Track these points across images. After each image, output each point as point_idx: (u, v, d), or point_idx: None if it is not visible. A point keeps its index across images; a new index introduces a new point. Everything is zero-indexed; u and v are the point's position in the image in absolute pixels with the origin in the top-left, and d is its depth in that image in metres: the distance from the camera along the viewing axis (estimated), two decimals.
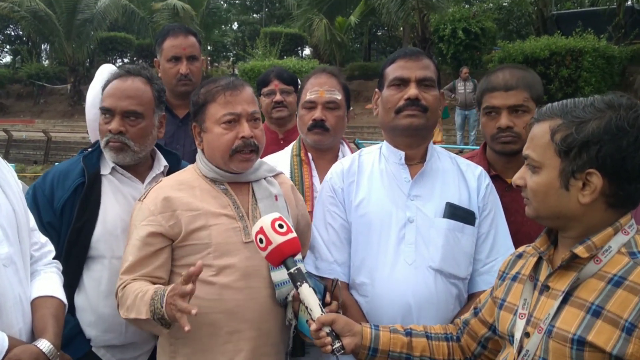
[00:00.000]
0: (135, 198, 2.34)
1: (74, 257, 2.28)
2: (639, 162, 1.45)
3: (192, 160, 2.37)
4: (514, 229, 2.32)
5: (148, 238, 2.09)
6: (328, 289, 2.10)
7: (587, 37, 16.37)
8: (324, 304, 2.00)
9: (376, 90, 2.36)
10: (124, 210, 2.34)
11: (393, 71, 2.25)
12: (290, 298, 2.13)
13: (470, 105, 15.37)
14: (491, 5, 25.63)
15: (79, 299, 2.31)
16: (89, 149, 2.46)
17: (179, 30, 3.31)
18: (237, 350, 2.08)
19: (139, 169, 2.44)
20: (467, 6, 24.21)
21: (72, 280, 2.27)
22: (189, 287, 1.80)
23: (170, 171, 2.49)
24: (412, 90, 2.18)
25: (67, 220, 2.29)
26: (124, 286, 2.07)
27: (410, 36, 21.64)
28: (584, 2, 28.98)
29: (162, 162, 2.50)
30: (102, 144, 2.37)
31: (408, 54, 2.26)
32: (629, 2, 20.29)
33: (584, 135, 1.46)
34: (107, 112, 2.34)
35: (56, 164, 2.43)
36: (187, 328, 1.75)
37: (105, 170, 2.39)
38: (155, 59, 3.44)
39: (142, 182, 2.43)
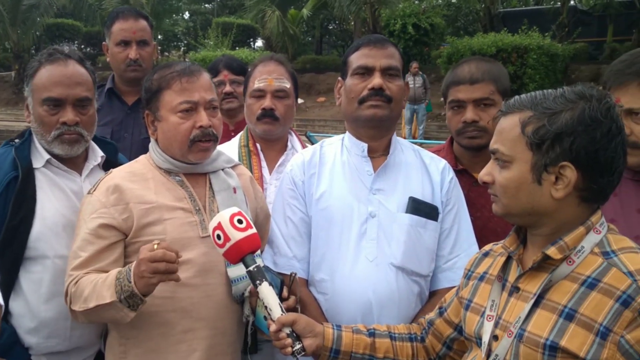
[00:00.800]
0: (75, 192, 2.21)
1: (8, 258, 2.09)
2: (612, 154, 1.41)
3: (141, 150, 2.25)
4: (480, 224, 2.30)
5: (100, 230, 1.96)
6: (286, 284, 2.02)
7: (532, 35, 16.91)
8: (281, 299, 1.91)
9: (339, 78, 2.27)
10: (64, 206, 2.17)
11: (357, 59, 2.17)
12: (247, 294, 2.05)
13: (419, 99, 15.66)
14: (440, 1, 26.06)
15: (15, 305, 2.12)
16: (17, 140, 2.26)
17: (129, 13, 3.17)
18: (190, 350, 1.99)
19: (75, 161, 2.26)
20: (417, 2, 24.56)
21: (7, 284, 2.07)
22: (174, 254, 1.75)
23: (107, 162, 2.35)
24: (376, 80, 2.10)
25: (0, 219, 2.08)
26: (77, 281, 1.93)
27: (362, 30, 21.79)
28: (529, 1, 29.79)
29: (98, 153, 2.33)
30: (49, 137, 2.16)
31: (373, 41, 2.18)
32: (572, 2, 20.99)
33: (557, 126, 1.40)
34: (55, 102, 2.15)
35: None
36: (178, 278, 1.78)
37: (37, 163, 2.19)
38: (104, 43, 3.29)
39: (80, 174, 2.26)
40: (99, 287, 1.86)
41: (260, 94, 2.61)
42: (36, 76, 2.18)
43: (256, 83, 2.61)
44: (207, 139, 2.03)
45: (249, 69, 2.77)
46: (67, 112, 2.15)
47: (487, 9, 21.84)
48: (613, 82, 1.94)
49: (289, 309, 1.90)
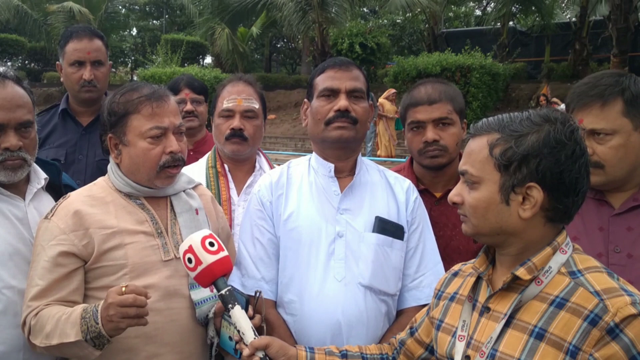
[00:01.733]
0: (19, 218, 2.10)
1: None
2: (576, 175, 1.45)
3: (96, 172, 2.19)
4: (443, 243, 2.32)
5: (60, 258, 1.90)
6: (251, 303, 1.98)
7: (475, 55, 17.44)
8: None
9: (305, 100, 2.28)
10: (9, 233, 2.06)
11: (323, 81, 2.18)
12: (211, 314, 2.03)
13: (371, 119, 15.93)
14: (385, 21, 26.67)
15: None
16: None
17: (84, 33, 3.09)
18: None
19: (17, 185, 2.14)
20: (363, 22, 25.06)
21: None
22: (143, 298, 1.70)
23: (50, 183, 2.26)
24: (342, 102, 2.12)
25: None
26: (36, 312, 1.85)
27: (310, 49, 22.00)
28: (470, 22, 30.79)
29: (40, 175, 2.22)
30: None
31: (338, 64, 2.20)
32: (512, 23, 21.82)
33: (524, 148, 1.44)
34: None
35: None
36: (146, 322, 1.72)
37: None
38: (57, 62, 3.21)
39: (23, 198, 2.15)
40: (62, 324, 1.79)
41: (229, 114, 2.60)
42: None
43: (225, 103, 2.60)
44: (176, 164, 2.02)
45: (218, 89, 2.75)
46: (9, 137, 2.04)
47: (431, 29, 22.49)
48: (576, 104, 1.99)
49: (254, 327, 1.88)
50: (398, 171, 2.47)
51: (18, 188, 2.15)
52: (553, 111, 1.50)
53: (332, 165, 2.20)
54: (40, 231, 1.98)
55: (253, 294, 2.07)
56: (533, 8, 20.40)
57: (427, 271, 2.18)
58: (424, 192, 2.43)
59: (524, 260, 1.49)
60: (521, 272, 1.47)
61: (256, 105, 2.63)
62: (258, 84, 2.77)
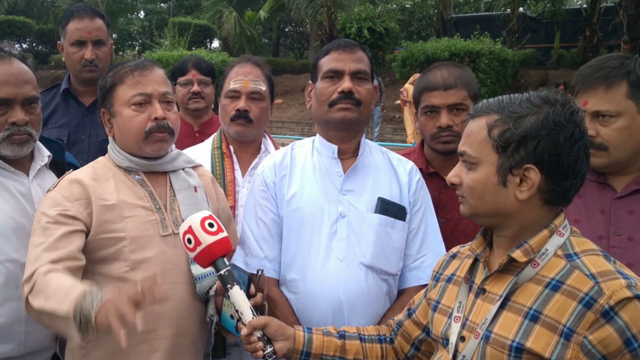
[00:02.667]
0: (23, 193, 2.12)
1: None
2: (574, 157, 1.45)
3: (99, 152, 2.21)
4: (451, 226, 2.34)
5: (63, 218, 1.89)
6: (253, 281, 2.00)
7: (484, 40, 17.28)
8: (249, 296, 1.91)
9: (309, 82, 2.30)
10: (12, 208, 2.09)
11: (327, 63, 2.20)
12: (212, 292, 2.05)
13: (374, 102, 15.83)
14: (394, 6, 26.46)
15: None
16: None
17: (85, 12, 3.06)
18: (152, 350, 1.97)
19: (21, 162, 2.17)
20: (372, 6, 24.88)
21: None
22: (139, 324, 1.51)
23: (53, 161, 2.29)
24: (345, 84, 2.14)
25: None
26: (45, 273, 1.78)
27: (318, 33, 21.91)
28: (479, 7, 30.50)
29: (44, 152, 2.26)
30: None
31: (342, 46, 2.21)
32: (522, 9, 21.60)
33: (522, 130, 1.44)
34: (3, 102, 2.05)
35: None
36: (124, 344, 1.46)
37: None
38: (58, 42, 3.20)
39: (27, 175, 2.18)
40: (62, 295, 1.69)
41: (235, 95, 2.60)
42: None
43: (231, 84, 2.61)
44: (161, 131, 2.02)
45: (226, 70, 2.74)
46: (16, 112, 2.07)
47: (440, 14, 22.28)
48: (581, 86, 2.00)
49: (256, 306, 1.91)
50: (408, 154, 2.50)
51: (22, 165, 2.18)
52: (554, 92, 1.49)
53: (335, 147, 2.23)
54: (42, 202, 1.99)
55: (256, 272, 2.09)
56: None
57: (429, 252, 2.20)
58: (434, 176, 2.45)
59: (520, 243, 1.50)
60: (517, 254, 1.48)
61: (263, 87, 2.63)
62: (267, 67, 2.76)
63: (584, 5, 21.10)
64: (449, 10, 22.81)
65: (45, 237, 1.86)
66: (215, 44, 30.05)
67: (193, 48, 23.13)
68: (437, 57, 16.38)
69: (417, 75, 14.43)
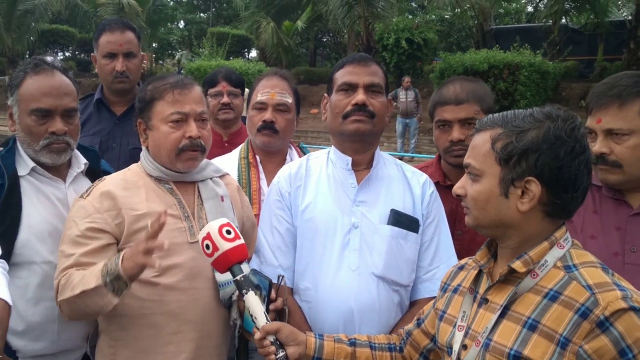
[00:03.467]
0: (59, 199, 2.25)
1: None
2: (575, 171, 1.49)
3: (129, 160, 2.28)
4: (468, 238, 2.36)
5: (91, 233, 2.01)
6: (273, 286, 2.08)
7: (524, 52, 16.99)
8: (269, 301, 2.01)
9: (325, 94, 2.35)
10: (49, 213, 2.22)
11: (342, 76, 2.25)
12: (235, 297, 2.12)
13: (411, 113, 15.70)
14: (433, 17, 26.29)
15: None
16: (1, 149, 2.29)
17: (116, 26, 3.20)
18: (178, 351, 2.05)
19: (59, 168, 2.30)
20: (410, 17, 24.77)
21: None
22: (165, 242, 1.78)
23: (90, 168, 2.41)
24: (359, 96, 2.18)
25: None
26: (68, 275, 1.96)
27: (355, 44, 21.91)
28: (521, 19, 30.10)
29: (81, 160, 2.38)
30: (37, 147, 2.20)
31: (357, 60, 2.26)
32: (564, 21, 21.20)
33: (524, 143, 1.49)
34: (44, 112, 2.19)
35: None
36: (157, 264, 1.77)
37: (22, 171, 2.23)
38: (92, 54, 3.34)
39: (64, 181, 2.31)
40: (87, 276, 1.89)
41: (262, 107, 2.69)
42: (22, 86, 2.21)
43: (259, 96, 2.71)
44: (194, 149, 2.10)
45: (254, 83, 2.84)
46: (56, 122, 2.20)
47: (480, 26, 22.03)
48: (595, 104, 2.03)
49: (277, 310, 2.01)
50: (425, 167, 2.54)
51: (60, 171, 2.31)
52: (556, 109, 1.54)
53: (349, 158, 2.26)
54: (74, 208, 2.10)
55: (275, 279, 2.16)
56: (587, 5, 19.78)
57: (441, 264, 2.22)
58: (450, 188, 2.43)
59: (521, 254, 1.54)
60: (517, 265, 1.52)
61: (289, 100, 2.72)
62: (293, 79, 2.85)
63: (629, 17, 20.58)
64: (489, 21, 22.57)
65: (74, 250, 1.99)
66: (253, 53, 30.34)
67: (231, 58, 23.40)
68: (476, 68, 16.22)
69: None
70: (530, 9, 31.18)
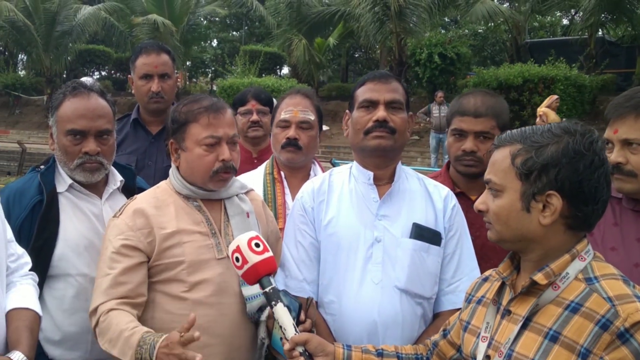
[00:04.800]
0: (95, 214, 2.36)
1: None
2: (595, 184, 1.51)
3: (164, 178, 2.36)
4: (480, 243, 2.37)
5: (126, 250, 2.08)
6: (303, 308, 2.11)
7: (559, 66, 16.79)
8: (299, 322, 2.03)
9: (347, 111, 2.41)
10: (85, 227, 2.33)
11: (362, 93, 2.30)
12: (263, 318, 2.16)
13: (445, 128, 15.48)
14: (467, 31, 26.15)
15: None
16: (42, 167, 2.41)
17: (152, 49, 3.34)
18: None
19: (96, 185, 2.41)
20: (443, 31, 24.66)
21: None
22: (196, 334, 1.80)
23: (126, 185, 2.50)
24: (380, 113, 2.23)
25: (26, 240, 2.22)
26: (107, 312, 2.01)
27: (387, 59, 21.89)
28: (556, 32, 29.69)
29: (117, 177, 2.48)
30: (72, 165, 2.31)
31: (377, 77, 2.32)
32: (600, 33, 20.83)
33: (544, 158, 1.52)
34: (78, 133, 2.30)
35: (9, 183, 2.41)
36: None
37: (61, 187, 2.34)
38: (129, 76, 3.48)
39: (100, 197, 2.41)
40: (123, 343, 1.93)
41: (285, 124, 2.77)
42: (61, 108, 2.32)
43: (282, 114, 2.78)
44: (227, 171, 2.17)
45: (277, 101, 2.93)
46: (89, 142, 2.30)
47: (514, 39, 21.81)
48: (612, 115, 2.07)
49: (304, 332, 2.00)
50: (435, 177, 2.58)
51: (97, 188, 2.41)
52: (574, 124, 1.56)
53: (371, 173, 2.30)
54: (109, 228, 2.18)
55: (296, 294, 2.21)
56: (624, 17, 19.41)
57: (464, 276, 2.25)
58: (460, 195, 2.51)
59: (543, 266, 1.56)
60: (539, 277, 1.54)
61: (312, 117, 2.79)
62: (316, 97, 2.93)
63: None
64: (523, 35, 22.30)
65: (110, 269, 2.07)
66: (285, 70, 30.55)
67: (263, 75, 23.59)
68: (510, 83, 16.08)
69: (553, 97, 13.21)
70: (565, 21, 30.74)
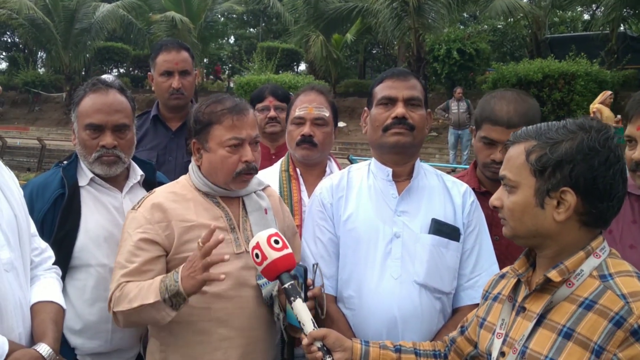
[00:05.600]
0: (116, 207, 2.43)
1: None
2: (610, 181, 1.51)
3: (184, 173, 2.39)
4: (505, 243, 2.35)
5: (144, 244, 2.12)
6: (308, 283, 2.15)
7: (580, 62, 16.57)
8: (306, 286, 2.09)
9: (365, 108, 2.42)
10: (106, 219, 2.40)
11: (381, 90, 2.32)
12: (275, 292, 2.19)
13: (464, 125, 15.43)
14: (486, 27, 25.88)
15: None
16: (65, 162, 2.49)
17: (172, 46, 3.38)
18: (226, 357, 2.13)
19: (117, 179, 2.48)
20: (462, 27, 24.46)
21: None
22: (226, 256, 1.90)
23: (146, 180, 2.56)
24: (399, 109, 2.24)
25: (48, 232, 2.30)
26: (122, 287, 2.08)
27: (405, 55, 21.76)
28: (577, 27, 29.33)
29: (137, 172, 2.55)
30: (90, 159, 2.38)
31: (396, 74, 2.33)
32: (622, 28, 20.52)
33: (558, 154, 1.52)
34: (95, 127, 2.37)
35: (32, 177, 2.44)
36: (222, 277, 1.89)
37: (83, 181, 2.42)
38: (149, 73, 3.53)
39: (120, 191, 2.48)
40: (145, 290, 2.01)
41: (300, 121, 2.77)
42: (81, 104, 2.40)
43: (297, 111, 2.78)
44: (249, 172, 2.20)
45: (292, 98, 2.93)
46: (106, 136, 2.37)
47: (534, 35, 21.56)
48: (635, 111, 2.06)
49: (314, 297, 2.10)
50: (461, 177, 2.57)
51: (118, 182, 2.49)
52: (589, 120, 1.56)
53: (390, 170, 2.32)
54: (127, 220, 2.22)
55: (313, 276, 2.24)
56: None
57: (483, 272, 2.25)
58: (485, 195, 2.48)
59: (557, 263, 1.56)
60: (553, 274, 1.54)
61: (326, 114, 2.79)
62: (330, 94, 2.93)
63: None
64: (543, 30, 22.05)
65: (128, 263, 2.11)
66: (302, 67, 30.52)
67: (280, 72, 23.59)
68: (530, 78, 15.90)
69: (607, 93, 12.72)
70: (586, 16, 30.37)
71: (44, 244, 2.14)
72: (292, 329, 2.18)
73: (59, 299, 2.02)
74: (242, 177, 2.20)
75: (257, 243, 1.94)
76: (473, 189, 2.44)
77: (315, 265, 2.20)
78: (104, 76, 2.79)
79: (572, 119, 1.59)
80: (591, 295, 1.50)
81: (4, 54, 37.61)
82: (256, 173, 2.26)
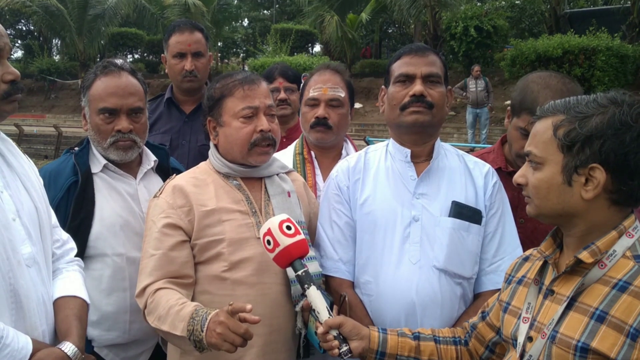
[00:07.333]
0: (130, 194, 2.37)
1: None
2: None
3: (198, 156, 2.36)
4: (531, 226, 2.29)
5: (168, 229, 2.07)
6: (336, 302, 2.08)
7: (601, 36, 16.29)
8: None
9: (382, 87, 2.33)
10: (121, 207, 2.34)
11: (399, 67, 2.22)
12: (298, 308, 2.12)
13: (482, 103, 15.25)
14: (503, 3, 25.49)
15: None
16: (76, 148, 2.43)
17: (185, 27, 3.30)
18: (247, 345, 2.02)
19: (130, 165, 2.42)
20: (479, 4, 24.07)
21: None
22: (249, 307, 1.77)
23: (159, 165, 2.51)
24: (417, 87, 2.15)
25: (62, 220, 2.22)
26: (154, 291, 2.01)
27: (422, 33, 21.53)
28: (597, 1, 28.73)
29: (151, 157, 2.49)
30: (105, 144, 2.32)
31: (414, 50, 2.23)
32: None
33: (588, 129, 1.45)
34: (110, 111, 2.30)
35: (45, 165, 2.38)
36: (251, 335, 1.76)
37: (95, 168, 2.36)
38: (162, 55, 3.46)
39: (135, 177, 2.42)
40: (173, 316, 1.90)
41: (314, 103, 2.68)
42: (92, 88, 2.33)
43: (311, 92, 2.68)
44: (266, 143, 2.14)
45: (306, 78, 2.83)
46: (121, 120, 2.31)
47: (553, 10, 21.18)
48: None
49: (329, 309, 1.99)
50: (487, 153, 2.49)
51: (131, 168, 2.43)
52: (621, 94, 1.48)
53: (408, 151, 2.23)
54: (150, 209, 2.18)
55: (331, 274, 2.21)
56: None
57: (506, 255, 2.17)
58: (512, 175, 2.33)
59: (588, 244, 1.49)
60: (584, 256, 1.48)
61: (342, 94, 2.68)
62: (346, 72, 2.80)
63: None
64: (562, 5, 21.62)
65: (155, 250, 2.06)
66: (317, 48, 30.34)
67: (295, 53, 23.44)
68: (549, 55, 15.64)
69: None
70: None
71: (65, 235, 2.08)
72: (312, 345, 2.11)
73: (83, 294, 1.95)
74: (259, 149, 2.14)
75: (269, 229, 1.88)
76: (499, 169, 2.37)
77: (342, 297, 2.12)
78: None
79: (602, 92, 1.50)
80: (625, 276, 1.44)
81: (19, 42, 37.82)
82: (274, 145, 2.19)
